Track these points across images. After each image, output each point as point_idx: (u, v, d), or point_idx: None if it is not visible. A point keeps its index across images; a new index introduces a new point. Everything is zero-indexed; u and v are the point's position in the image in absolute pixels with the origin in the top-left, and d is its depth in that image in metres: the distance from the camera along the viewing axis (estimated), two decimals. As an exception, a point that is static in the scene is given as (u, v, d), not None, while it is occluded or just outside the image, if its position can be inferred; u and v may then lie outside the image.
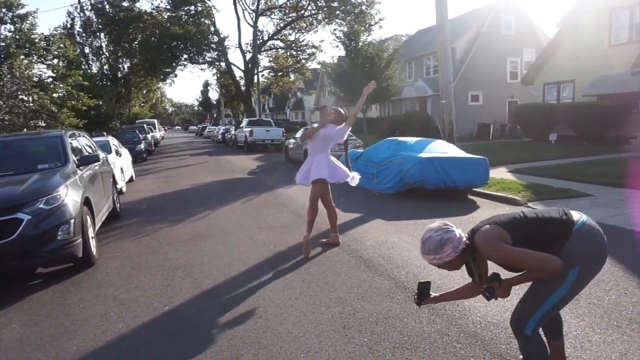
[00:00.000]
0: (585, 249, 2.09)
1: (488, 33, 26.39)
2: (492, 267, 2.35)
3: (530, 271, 2.13)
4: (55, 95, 16.70)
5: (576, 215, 2.15)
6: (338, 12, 30.16)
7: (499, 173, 10.19)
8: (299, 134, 16.43)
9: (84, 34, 38.14)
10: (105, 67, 39.11)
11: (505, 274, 2.28)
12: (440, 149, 8.78)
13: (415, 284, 3.97)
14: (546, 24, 53.94)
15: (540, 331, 2.28)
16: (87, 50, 38.34)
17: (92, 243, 5.19)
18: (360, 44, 25.87)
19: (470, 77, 25.67)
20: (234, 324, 3.41)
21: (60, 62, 17.79)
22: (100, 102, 26.84)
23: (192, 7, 31.40)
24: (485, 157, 8.53)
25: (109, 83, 36.04)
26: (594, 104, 16.61)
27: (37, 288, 4.46)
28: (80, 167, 5.80)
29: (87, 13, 37.67)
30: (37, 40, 15.94)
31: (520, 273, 2.22)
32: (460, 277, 4.05)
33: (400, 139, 9.53)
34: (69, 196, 4.77)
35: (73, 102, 17.11)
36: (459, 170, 8.06)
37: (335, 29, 30.62)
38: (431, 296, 2.45)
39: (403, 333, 3.12)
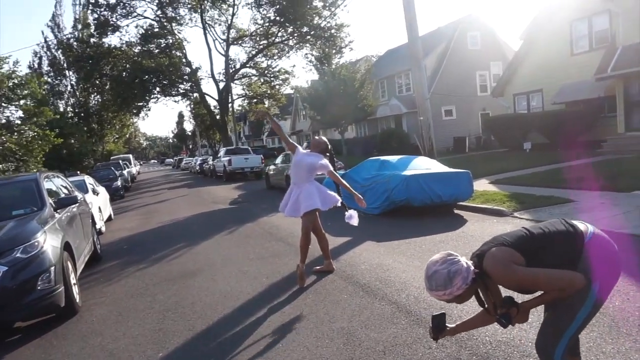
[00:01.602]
0: (602, 259, 1.96)
1: (456, 49, 27.19)
2: (504, 291, 2.25)
3: (550, 292, 1.97)
4: (23, 137, 16.20)
5: (582, 226, 2.04)
6: (308, 37, 30.61)
7: (481, 185, 10.30)
8: (278, 160, 16.36)
9: (52, 73, 37.59)
10: (75, 104, 38.50)
11: (517, 298, 2.17)
12: (423, 165, 8.82)
13: (417, 306, 3.89)
14: (510, 38, 56.11)
15: None
16: (55, 88, 37.75)
17: (75, 290, 4.92)
18: (333, 66, 26.24)
19: (443, 93, 26.26)
20: (234, 366, 3.23)
21: (29, 101, 17.36)
22: (72, 140, 26.27)
23: (163, 40, 31.42)
24: (467, 170, 8.60)
25: (80, 120, 35.42)
26: (563, 111, 17.14)
27: (17, 344, 4.17)
28: (58, 210, 5.56)
29: (54, 52, 37.24)
30: (5, 84, 15.54)
31: (536, 295, 2.08)
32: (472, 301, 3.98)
33: (382, 158, 9.55)
34: (48, 242, 4.53)
35: (40, 142, 16.61)
36: (443, 186, 8.09)
37: (307, 54, 31.04)
38: (447, 328, 2.30)
39: (413, 361, 3.00)
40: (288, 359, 3.23)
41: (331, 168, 5.04)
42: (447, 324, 2.29)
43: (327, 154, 5.20)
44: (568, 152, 15.20)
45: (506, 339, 3.14)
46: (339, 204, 5.12)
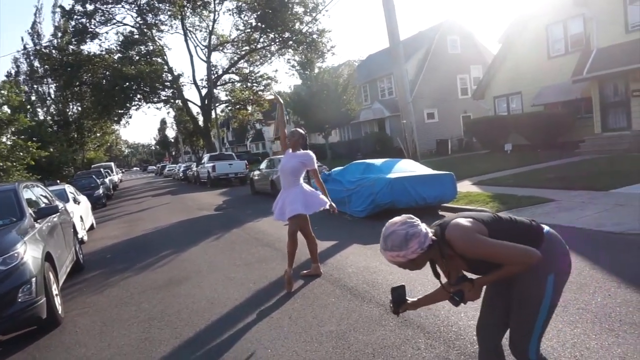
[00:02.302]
0: (557, 253, 2.03)
1: (436, 53, 27.59)
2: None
3: (509, 266, 1.92)
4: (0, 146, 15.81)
5: (541, 224, 2.11)
6: (290, 42, 30.66)
7: (464, 186, 10.43)
8: (263, 165, 16.31)
9: (29, 81, 36.87)
10: (54, 112, 37.79)
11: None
12: (407, 168, 8.89)
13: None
14: (489, 42, 57.09)
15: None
16: (33, 97, 37.02)
17: (57, 301, 4.82)
18: (315, 71, 26.35)
19: (424, 96, 26.58)
20: (223, 373, 3.20)
21: (6, 108, 16.99)
22: (52, 149, 25.75)
23: (143, 47, 31.10)
24: (450, 172, 8.71)
25: (59, 129, 34.76)
26: (541, 113, 17.50)
27: (-2, 358, 4.06)
28: (38, 220, 5.44)
29: (32, 59, 36.57)
30: None
31: (491, 273, 2.01)
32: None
33: (367, 161, 9.60)
34: (28, 253, 4.43)
35: (21, 154, 16.23)
36: (427, 188, 8.17)
37: (289, 59, 31.06)
38: (408, 302, 2.22)
39: (403, 362, 3.01)
40: (277, 364, 3.21)
41: (314, 166, 5.02)
42: (407, 298, 2.22)
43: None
44: (547, 153, 15.52)
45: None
46: (326, 207, 5.10)
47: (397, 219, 2.05)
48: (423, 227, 2.01)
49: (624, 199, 7.28)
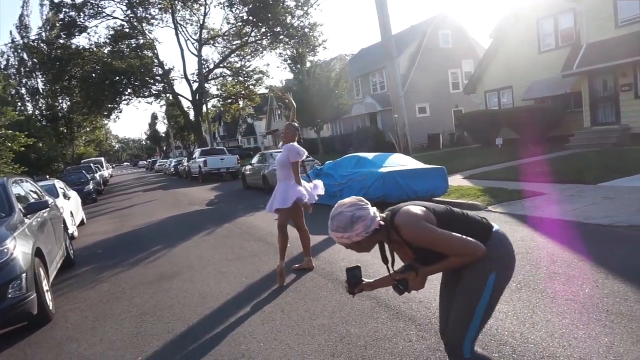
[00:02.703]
0: (502, 252, 2.01)
1: (428, 47, 27.61)
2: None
3: (453, 257, 1.93)
4: None
5: (492, 223, 2.09)
6: (282, 36, 30.50)
7: (456, 180, 10.49)
8: (255, 160, 16.27)
9: (17, 75, 36.34)
10: (43, 106, 37.30)
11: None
12: (399, 162, 8.93)
13: (396, 300, 3.95)
14: (480, 36, 57.31)
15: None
16: (22, 90, 36.51)
17: (48, 296, 4.79)
18: (307, 65, 26.27)
19: (416, 90, 26.62)
20: (216, 367, 3.20)
21: None
22: (41, 144, 25.44)
23: (133, 41, 30.77)
24: (442, 166, 8.76)
25: (48, 123, 34.34)
26: (532, 107, 17.63)
27: (-12, 355, 4.03)
28: (28, 216, 5.39)
29: (21, 53, 36.04)
30: None
31: (435, 264, 2.00)
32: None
33: (359, 154, 9.63)
34: (18, 249, 4.39)
35: (9, 144, 16.03)
36: (419, 182, 8.22)
37: (280, 53, 30.91)
38: (364, 282, 2.18)
39: (394, 354, 3.04)
40: (270, 357, 3.23)
41: (294, 159, 4.96)
42: (363, 278, 2.18)
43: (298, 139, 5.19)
44: (538, 147, 15.64)
45: (483, 329, 3.20)
46: (304, 200, 5.06)
47: (346, 200, 2.04)
48: (372, 210, 1.99)
49: (612, 192, 7.38)
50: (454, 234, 1.90)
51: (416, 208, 1.98)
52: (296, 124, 5.26)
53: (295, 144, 5.07)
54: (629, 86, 14.12)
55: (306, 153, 5.17)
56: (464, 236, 1.90)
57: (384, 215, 2.04)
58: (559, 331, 3.06)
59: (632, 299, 3.41)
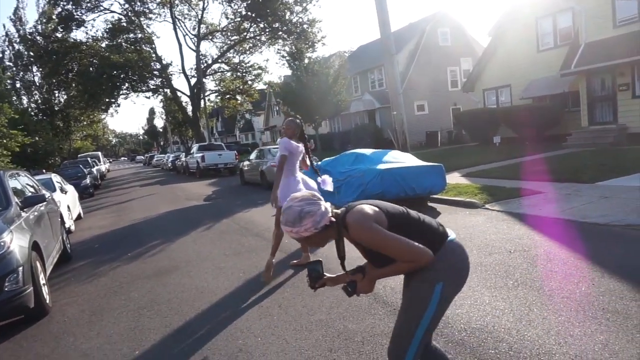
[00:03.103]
0: (452, 263, 1.95)
1: (427, 45, 27.59)
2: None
3: (399, 262, 1.88)
4: None
5: (450, 232, 2.03)
6: (280, 32, 30.44)
7: (453, 178, 10.51)
8: (253, 156, 16.25)
9: (14, 68, 36.11)
10: (39, 100, 37.11)
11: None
12: (398, 159, 8.93)
13: (394, 296, 3.96)
14: (479, 34, 57.33)
15: None
16: (18, 84, 36.31)
17: (45, 290, 4.78)
18: (306, 61, 26.20)
19: (415, 88, 26.63)
20: (213, 361, 3.21)
21: None
22: (37, 138, 25.31)
23: (131, 35, 30.64)
24: (440, 163, 8.76)
25: (44, 117, 34.18)
26: (530, 105, 17.66)
27: (-15, 348, 4.02)
28: (25, 209, 5.37)
29: (17, 46, 35.81)
30: None
31: (385, 267, 1.97)
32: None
33: (357, 151, 9.61)
34: (15, 242, 4.38)
35: (5, 141, 15.94)
36: (417, 179, 8.21)
37: (279, 49, 30.86)
38: (326, 277, 2.13)
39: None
40: (267, 352, 3.24)
41: (279, 153, 5.02)
42: (325, 273, 2.14)
43: (302, 139, 5.19)
44: (535, 146, 15.69)
45: (480, 326, 3.23)
46: (324, 187, 5.05)
47: (298, 194, 2.02)
48: (323, 206, 1.96)
49: (609, 191, 7.41)
50: (401, 238, 1.85)
51: (369, 208, 1.93)
52: (298, 120, 5.26)
53: (286, 138, 5.07)
54: (626, 86, 14.17)
55: (300, 148, 5.15)
56: (411, 241, 1.85)
57: (338, 211, 2.01)
58: (555, 328, 3.08)
59: (628, 297, 3.43)
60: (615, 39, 13.86)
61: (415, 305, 1.96)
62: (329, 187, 5.11)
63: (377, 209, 1.93)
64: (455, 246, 1.98)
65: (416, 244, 1.84)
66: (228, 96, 36.38)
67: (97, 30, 46.87)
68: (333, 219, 1.96)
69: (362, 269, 2.06)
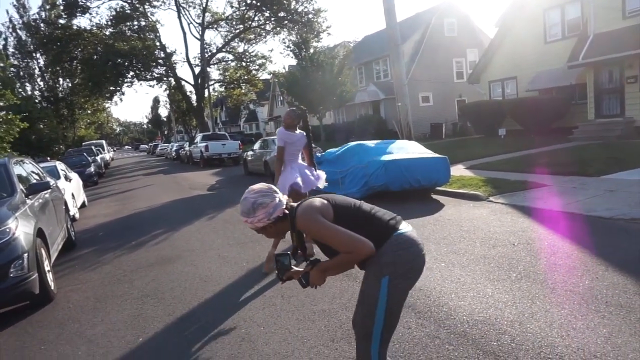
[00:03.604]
0: (395, 257, 1.94)
1: (432, 36, 27.31)
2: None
3: (342, 253, 1.91)
4: None
5: (403, 225, 2.04)
6: (285, 21, 30.23)
7: (458, 170, 10.47)
8: (256, 146, 16.23)
9: (18, 55, 36.10)
10: (43, 88, 37.13)
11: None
12: (402, 149, 8.89)
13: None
14: (486, 25, 56.72)
15: None
16: (22, 72, 36.31)
17: (49, 277, 4.82)
18: (311, 51, 26.04)
19: (420, 79, 26.42)
20: (217, 349, 3.23)
21: None
22: (41, 126, 25.41)
23: (135, 23, 30.51)
24: (444, 155, 8.73)
25: (49, 105, 34.24)
26: (536, 98, 17.50)
27: (-10, 333, 4.06)
28: (30, 197, 5.40)
29: (20, 33, 35.75)
30: None
31: (332, 259, 2.02)
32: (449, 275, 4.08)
33: (361, 142, 9.58)
34: (20, 229, 4.41)
35: (5, 127, 15.94)
36: (421, 171, 8.18)
37: (284, 39, 30.69)
38: (292, 270, 2.17)
39: (393, 341, 3.06)
40: (270, 341, 3.26)
41: (277, 144, 5.09)
42: (292, 266, 2.18)
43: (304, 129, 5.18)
44: (541, 138, 15.58)
45: (483, 318, 3.23)
46: (300, 188, 5.09)
47: (255, 186, 2.08)
48: (277, 198, 2.02)
49: (614, 185, 7.36)
50: (341, 229, 1.88)
51: (318, 201, 1.99)
52: (299, 111, 5.24)
53: (282, 128, 5.09)
54: (634, 78, 14.00)
55: (299, 137, 5.14)
56: (352, 233, 1.87)
57: (294, 204, 2.05)
58: (557, 322, 3.07)
59: (632, 291, 3.42)
60: (625, 31, 13.68)
61: (367, 301, 1.97)
62: (321, 183, 5.15)
63: (325, 202, 1.99)
64: (404, 239, 1.97)
65: (356, 235, 1.86)
66: (232, 85, 36.27)
67: (101, 18, 46.63)
68: (287, 211, 2.03)
69: (315, 261, 2.09)
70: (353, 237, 1.87)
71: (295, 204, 2.06)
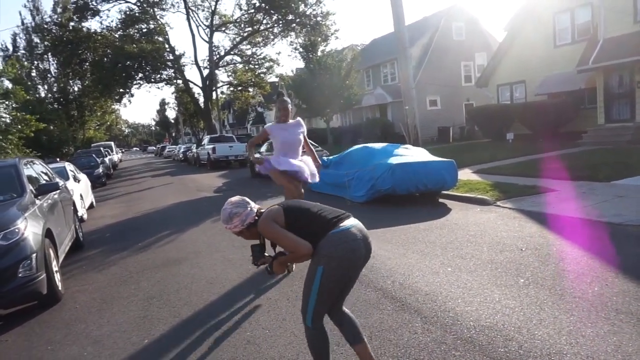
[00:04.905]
0: (330, 251, 2.32)
1: (441, 39, 27.26)
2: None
3: (289, 251, 2.41)
4: None
5: (346, 222, 2.41)
6: (294, 24, 30.31)
7: (465, 174, 10.41)
8: (263, 148, 16.25)
9: (29, 57, 36.52)
10: (55, 89, 37.51)
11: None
12: (409, 153, 8.86)
13: (402, 292, 3.96)
14: (495, 29, 56.45)
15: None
16: (33, 73, 36.72)
17: (57, 277, 4.85)
18: (319, 54, 26.08)
19: (428, 83, 26.36)
20: (222, 352, 3.23)
21: (6, 82, 16.95)
22: (52, 127, 25.67)
23: (144, 25, 30.75)
24: (452, 159, 8.68)
25: (59, 107, 34.58)
26: (545, 102, 17.38)
27: (-2, 332, 4.10)
28: (39, 197, 5.44)
29: (32, 35, 36.18)
30: None
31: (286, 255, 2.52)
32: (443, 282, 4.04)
33: (368, 145, 9.56)
34: (29, 229, 4.44)
35: (20, 127, 16.13)
36: (428, 174, 8.14)
37: (292, 42, 30.74)
38: (265, 256, 2.64)
39: (399, 345, 3.04)
40: (275, 345, 3.25)
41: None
42: (266, 253, 2.65)
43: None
44: (549, 143, 15.46)
45: (489, 324, 3.20)
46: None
47: (233, 198, 2.56)
48: (250, 208, 2.52)
49: (624, 190, 7.28)
50: (285, 234, 2.35)
51: (275, 209, 2.46)
52: (289, 103, 5.27)
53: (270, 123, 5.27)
54: (645, 83, 13.86)
55: (288, 127, 5.21)
56: (292, 237, 2.33)
57: (263, 211, 2.52)
58: (566, 329, 3.03)
59: (642, 299, 3.37)
60: (636, 35, 13.56)
61: (307, 279, 2.42)
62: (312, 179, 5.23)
63: (280, 208, 2.46)
64: (339, 237, 2.34)
65: (295, 239, 2.33)
66: (240, 88, 36.41)
67: (111, 21, 47.17)
68: (257, 218, 2.51)
69: (281, 253, 2.55)
70: (294, 240, 2.34)
71: (263, 211, 2.53)
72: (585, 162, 10.48)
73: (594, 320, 3.11)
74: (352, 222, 2.44)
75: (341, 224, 2.39)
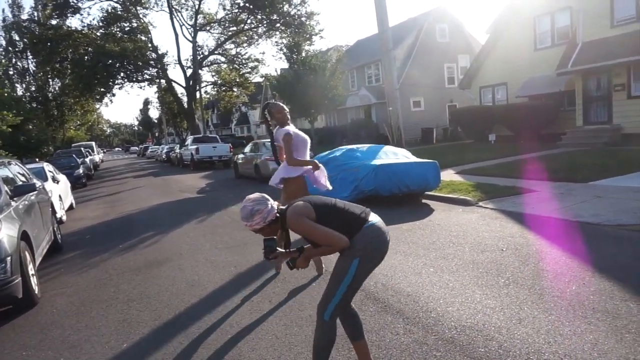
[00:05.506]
0: (366, 244, 2.38)
1: (425, 41, 27.51)
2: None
3: (323, 245, 2.39)
4: None
5: (372, 217, 2.49)
6: (278, 24, 30.24)
7: (448, 175, 10.51)
8: (247, 149, 16.17)
9: (6, 54, 35.66)
10: (33, 88, 36.70)
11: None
12: (392, 154, 8.90)
13: (385, 293, 3.97)
14: (477, 31, 57.26)
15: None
16: (11, 71, 35.87)
17: (33, 281, 4.73)
18: (303, 54, 26.05)
19: (411, 84, 26.55)
20: (203, 355, 3.19)
21: None
22: (30, 126, 25.09)
23: (127, 24, 30.32)
24: (435, 160, 8.75)
25: (38, 106, 33.85)
26: (526, 104, 17.68)
27: (-29, 338, 3.97)
28: (15, 199, 5.30)
29: (11, 33, 35.34)
30: None
31: (316, 249, 2.51)
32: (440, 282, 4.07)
33: (352, 146, 9.57)
34: (3, 231, 4.32)
35: None
36: (412, 176, 8.19)
37: (276, 41, 30.66)
38: (278, 251, 2.59)
39: (381, 347, 3.05)
40: (257, 347, 3.22)
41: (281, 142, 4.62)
42: (277, 248, 2.58)
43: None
44: (530, 144, 15.73)
45: (470, 324, 3.23)
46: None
47: (252, 195, 2.53)
48: (270, 205, 2.48)
49: (602, 191, 7.43)
50: (322, 228, 2.34)
51: (303, 204, 2.43)
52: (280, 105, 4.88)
53: (280, 128, 4.73)
54: (622, 86, 14.21)
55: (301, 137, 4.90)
56: (331, 231, 2.33)
57: (283, 207, 2.51)
58: (545, 327, 3.08)
59: (618, 297, 3.44)
60: (613, 39, 13.88)
61: (338, 273, 2.44)
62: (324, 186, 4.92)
63: (309, 205, 2.43)
64: (370, 230, 2.41)
65: (333, 232, 2.33)
66: (224, 88, 36.16)
67: (93, 19, 46.40)
68: (278, 215, 2.49)
69: (302, 249, 2.58)
70: (332, 234, 2.33)
71: (284, 207, 2.51)
72: (565, 163, 10.69)
73: (572, 319, 3.16)
74: (377, 217, 2.52)
75: (369, 218, 2.46)
